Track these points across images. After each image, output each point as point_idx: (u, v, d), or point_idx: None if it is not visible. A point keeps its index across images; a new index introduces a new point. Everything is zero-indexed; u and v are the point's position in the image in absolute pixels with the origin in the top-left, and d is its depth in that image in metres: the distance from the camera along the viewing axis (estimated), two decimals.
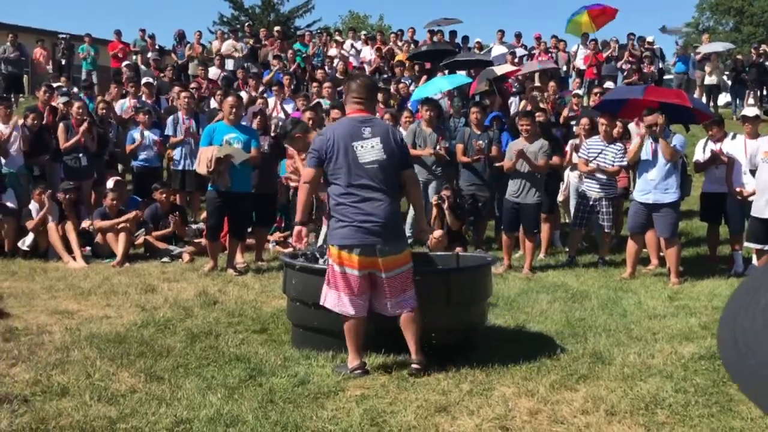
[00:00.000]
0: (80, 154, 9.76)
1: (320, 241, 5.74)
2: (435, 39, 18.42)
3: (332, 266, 4.51)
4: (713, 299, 6.75)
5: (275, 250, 9.20)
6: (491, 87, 12.24)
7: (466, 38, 19.37)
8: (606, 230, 8.56)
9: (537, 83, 13.70)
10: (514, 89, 14.38)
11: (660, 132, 7.59)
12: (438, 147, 9.36)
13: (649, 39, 20.04)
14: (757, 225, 7.47)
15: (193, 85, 13.55)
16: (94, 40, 18.78)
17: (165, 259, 8.55)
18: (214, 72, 15.77)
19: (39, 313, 6.01)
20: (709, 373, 4.48)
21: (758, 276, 0.80)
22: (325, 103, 11.31)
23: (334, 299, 4.53)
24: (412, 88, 13.45)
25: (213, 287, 7.04)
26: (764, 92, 19.59)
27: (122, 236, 8.39)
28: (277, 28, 20.35)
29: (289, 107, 12.15)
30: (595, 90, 12.31)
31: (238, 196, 7.81)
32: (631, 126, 9.77)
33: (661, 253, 8.22)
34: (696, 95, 17.33)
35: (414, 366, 4.49)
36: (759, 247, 7.53)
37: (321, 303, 4.58)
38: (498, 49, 18.03)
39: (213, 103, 12.62)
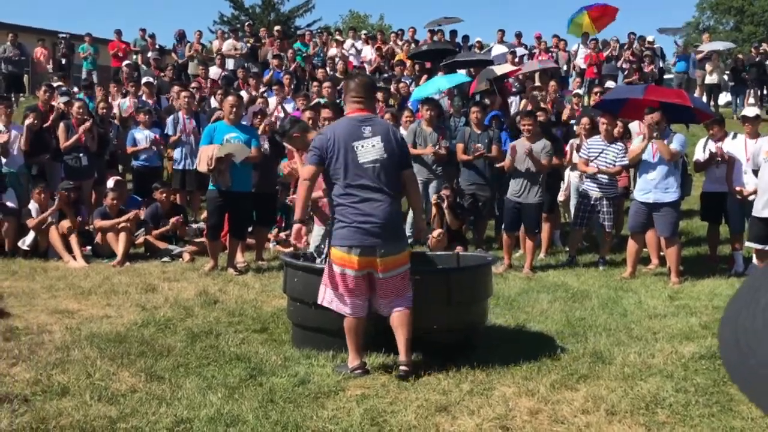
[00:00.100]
0: (81, 154, 9.76)
1: (312, 241, 5.72)
2: (435, 38, 18.42)
3: (331, 265, 4.50)
4: (714, 299, 6.75)
5: (275, 250, 9.20)
6: (491, 87, 12.23)
7: (466, 38, 19.36)
8: (607, 230, 8.56)
9: (537, 83, 13.69)
10: (514, 89, 14.38)
11: (659, 132, 7.58)
12: (439, 146, 9.36)
13: (650, 38, 20.05)
14: (758, 225, 7.46)
15: (193, 84, 13.56)
16: (95, 39, 18.78)
17: (165, 259, 8.55)
18: (214, 71, 15.77)
19: (39, 312, 6.01)
20: (710, 372, 4.48)
21: (759, 276, 0.79)
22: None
23: (331, 297, 4.52)
24: (412, 87, 13.45)
25: (213, 287, 7.04)
26: (765, 92, 19.59)
27: (122, 236, 8.39)
28: (277, 27, 20.34)
29: (289, 107, 12.15)
30: (596, 89, 12.31)
31: (239, 195, 7.81)
32: (632, 125, 9.77)
33: (662, 253, 8.22)
34: (696, 94, 17.30)
35: (402, 368, 4.42)
36: (759, 246, 7.53)
37: (319, 302, 4.58)
38: (498, 49, 18.01)
39: (213, 103, 12.62)
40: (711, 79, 18.57)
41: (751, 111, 8.72)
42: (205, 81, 14.50)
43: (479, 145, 9.09)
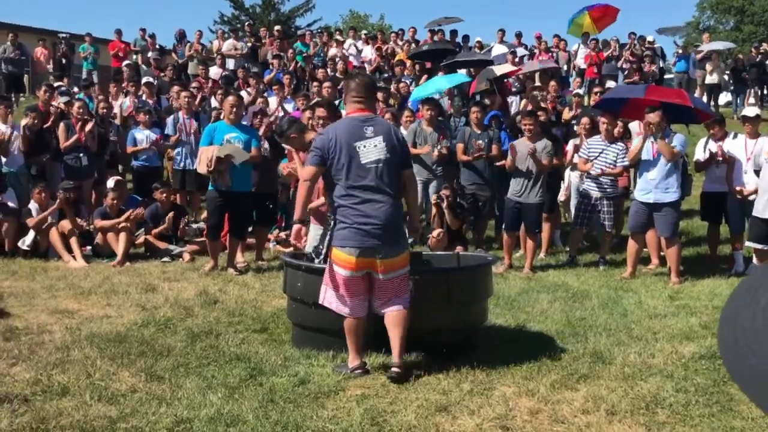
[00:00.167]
0: (81, 154, 9.76)
1: (309, 241, 5.71)
2: (435, 38, 18.40)
3: (331, 265, 4.50)
4: (714, 299, 6.75)
5: (276, 250, 9.20)
6: (491, 86, 12.23)
7: (466, 37, 19.35)
8: (607, 230, 8.56)
9: (537, 83, 13.69)
10: (514, 89, 14.37)
11: (659, 131, 7.58)
12: (439, 146, 9.36)
13: (650, 38, 20.05)
14: (759, 225, 7.46)
15: (193, 84, 13.56)
16: (95, 39, 18.78)
17: (165, 259, 8.55)
18: (214, 71, 15.77)
19: (39, 312, 6.01)
20: (710, 372, 4.48)
21: (758, 275, 0.79)
22: None
23: (331, 297, 4.52)
24: (412, 87, 13.44)
25: (213, 287, 7.04)
26: (765, 91, 19.58)
27: (123, 236, 8.39)
28: (277, 27, 20.32)
29: (289, 107, 12.15)
30: (596, 89, 12.30)
31: (239, 195, 7.82)
32: (632, 125, 9.77)
33: (662, 253, 8.22)
34: (697, 94, 17.30)
35: (394, 370, 4.37)
36: (760, 246, 7.53)
37: (320, 301, 4.58)
38: (498, 49, 18.01)
39: (214, 103, 12.62)
40: (711, 79, 18.56)
41: (751, 111, 8.71)
42: (205, 81, 14.50)
43: (480, 141, 9.10)
